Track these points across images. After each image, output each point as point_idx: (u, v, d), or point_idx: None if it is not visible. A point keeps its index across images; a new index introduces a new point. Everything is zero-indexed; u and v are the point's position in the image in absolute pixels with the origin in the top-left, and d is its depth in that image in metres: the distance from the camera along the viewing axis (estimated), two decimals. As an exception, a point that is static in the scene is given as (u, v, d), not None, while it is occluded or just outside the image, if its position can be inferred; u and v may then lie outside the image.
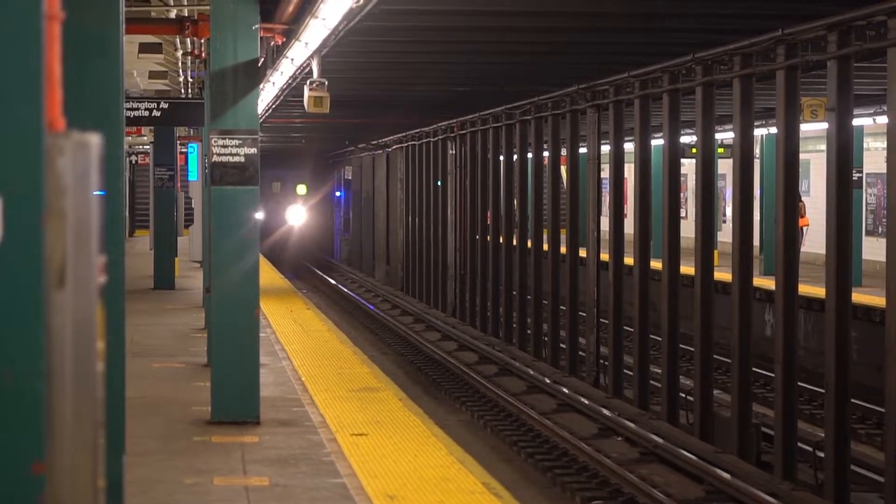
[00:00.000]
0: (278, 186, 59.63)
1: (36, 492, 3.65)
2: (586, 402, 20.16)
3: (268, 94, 23.01)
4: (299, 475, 10.80)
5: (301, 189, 60.53)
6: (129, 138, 45.22)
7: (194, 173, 34.98)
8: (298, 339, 19.47)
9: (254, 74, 13.28)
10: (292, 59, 17.50)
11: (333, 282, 46.62)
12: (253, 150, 13.19)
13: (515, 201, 28.21)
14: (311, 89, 16.46)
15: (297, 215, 60.16)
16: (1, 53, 3.64)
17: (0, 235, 3.64)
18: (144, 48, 23.93)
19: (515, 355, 25.52)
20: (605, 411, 19.27)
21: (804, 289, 17.57)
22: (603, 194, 24.71)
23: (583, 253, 24.04)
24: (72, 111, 4.24)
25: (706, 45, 17.77)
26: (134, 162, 56.28)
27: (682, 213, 32.65)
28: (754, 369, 18.29)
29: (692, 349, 19.09)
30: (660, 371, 19.97)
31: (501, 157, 28.99)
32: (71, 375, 3.77)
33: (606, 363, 22.12)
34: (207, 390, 13.47)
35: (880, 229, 31.99)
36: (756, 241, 30.33)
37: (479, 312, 30.73)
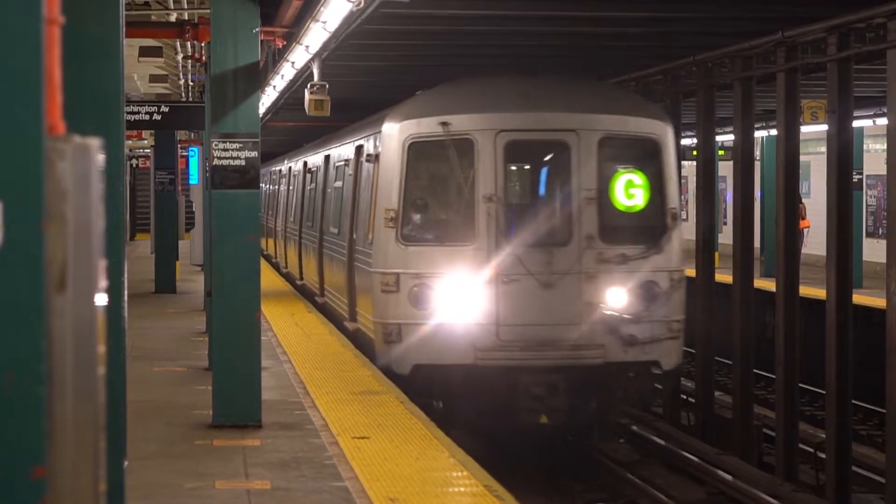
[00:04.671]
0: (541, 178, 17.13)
1: (37, 496, 3.63)
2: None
3: (268, 97, 23.03)
4: (301, 478, 10.79)
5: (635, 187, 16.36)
6: (130, 142, 45.22)
7: (195, 177, 35.00)
8: (300, 343, 19.47)
9: (254, 78, 13.28)
10: (293, 63, 17.52)
11: None
12: (254, 154, 13.20)
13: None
14: (311, 92, 16.47)
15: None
16: (1, 57, 3.63)
17: (0, 239, 3.62)
18: (145, 52, 23.94)
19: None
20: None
21: (804, 290, 17.57)
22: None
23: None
24: (72, 115, 4.23)
25: (706, 48, 17.78)
26: (135, 165, 56.25)
27: (683, 215, 32.60)
28: (755, 371, 18.29)
29: (692, 351, 19.08)
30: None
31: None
32: (72, 379, 3.74)
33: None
34: (209, 394, 13.46)
35: (881, 231, 31.99)
36: (756, 243, 30.34)
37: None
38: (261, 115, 14.77)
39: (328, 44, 15.54)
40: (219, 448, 12.09)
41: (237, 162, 13.19)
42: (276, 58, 18.65)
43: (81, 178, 3.72)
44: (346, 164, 20.60)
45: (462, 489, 10.34)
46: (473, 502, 9.95)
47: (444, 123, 16.15)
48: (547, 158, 16.67)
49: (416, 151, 16.30)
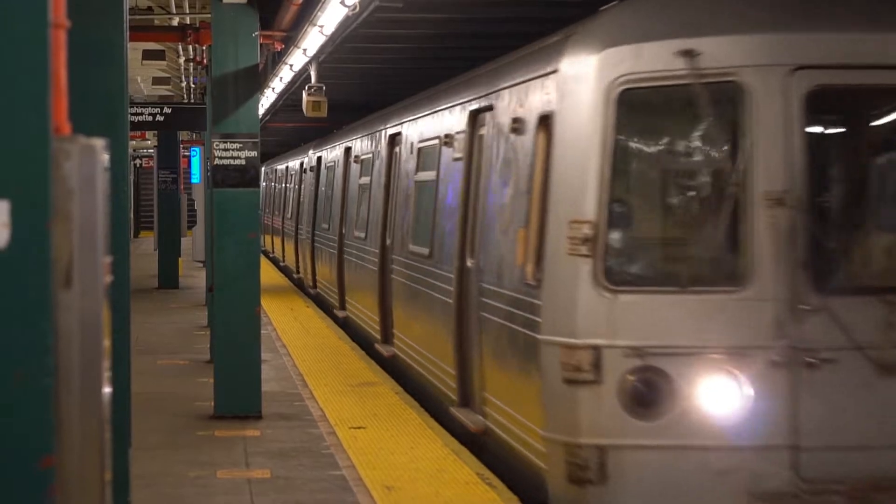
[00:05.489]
0: None
1: (45, 485, 3.77)
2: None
3: (268, 99, 23.23)
4: (300, 467, 10.95)
5: None
6: (134, 142, 45.31)
7: (197, 176, 35.21)
8: (299, 336, 19.63)
9: (254, 80, 13.47)
10: (291, 66, 17.70)
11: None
12: (253, 153, 13.39)
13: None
14: (309, 94, 16.65)
15: None
16: (8, 60, 3.76)
17: (8, 237, 3.74)
18: (148, 55, 24.11)
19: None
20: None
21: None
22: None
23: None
24: (77, 116, 4.35)
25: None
26: (138, 165, 56.37)
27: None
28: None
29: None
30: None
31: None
32: (78, 372, 3.88)
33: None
34: (211, 386, 13.61)
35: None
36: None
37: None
38: (260, 117, 14.97)
39: (325, 47, 15.72)
40: (220, 438, 12.24)
41: (237, 161, 13.38)
42: (275, 61, 18.86)
43: (87, 177, 3.84)
44: (444, 144, 13.17)
45: (455, 477, 10.51)
46: (466, 490, 10.10)
47: (687, 53, 8.39)
48: (878, 119, 8.93)
49: (635, 108, 8.57)
